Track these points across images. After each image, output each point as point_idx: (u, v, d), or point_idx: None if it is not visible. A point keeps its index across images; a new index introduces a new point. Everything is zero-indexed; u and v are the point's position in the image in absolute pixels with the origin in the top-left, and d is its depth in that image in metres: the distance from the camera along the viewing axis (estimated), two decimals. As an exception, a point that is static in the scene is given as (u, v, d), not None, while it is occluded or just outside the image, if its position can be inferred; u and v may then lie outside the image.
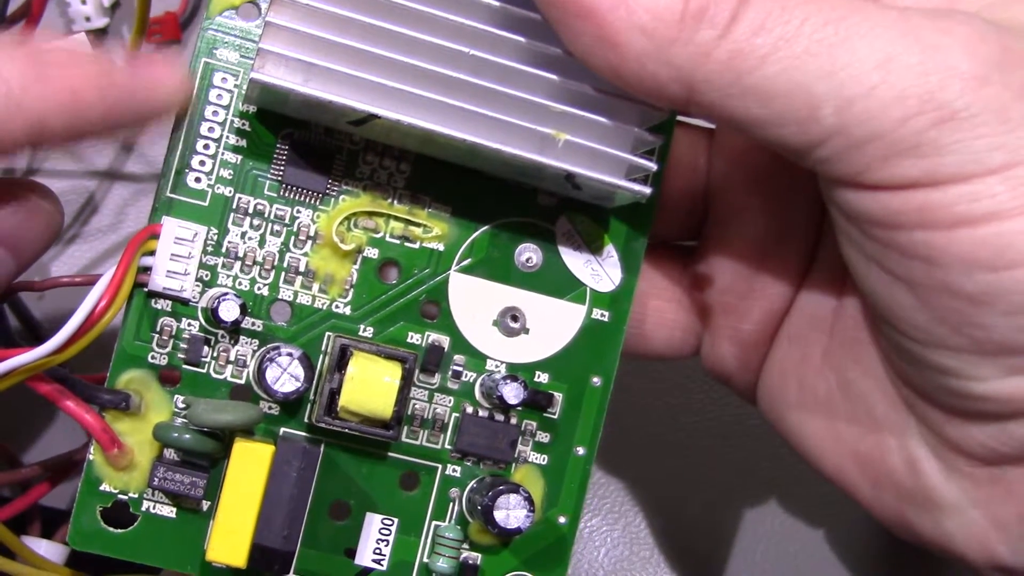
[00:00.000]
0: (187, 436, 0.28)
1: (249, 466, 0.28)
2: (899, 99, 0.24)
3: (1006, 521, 0.27)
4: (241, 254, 0.30)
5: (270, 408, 0.30)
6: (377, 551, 0.31)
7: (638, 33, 0.24)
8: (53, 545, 0.35)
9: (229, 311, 0.28)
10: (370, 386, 0.28)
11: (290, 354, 0.28)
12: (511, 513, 0.30)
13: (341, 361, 0.29)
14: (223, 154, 0.29)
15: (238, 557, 0.28)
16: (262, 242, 0.30)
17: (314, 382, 0.30)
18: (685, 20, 0.24)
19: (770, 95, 0.24)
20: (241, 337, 0.30)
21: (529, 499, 0.30)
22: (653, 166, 0.28)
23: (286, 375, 0.28)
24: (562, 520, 0.32)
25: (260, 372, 0.28)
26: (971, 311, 0.25)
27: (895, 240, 0.25)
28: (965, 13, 0.25)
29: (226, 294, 0.29)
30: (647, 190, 0.28)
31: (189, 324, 0.29)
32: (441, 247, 0.31)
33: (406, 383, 0.29)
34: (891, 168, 0.24)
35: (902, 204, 0.25)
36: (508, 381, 0.30)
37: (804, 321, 0.31)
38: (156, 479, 0.29)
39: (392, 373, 0.29)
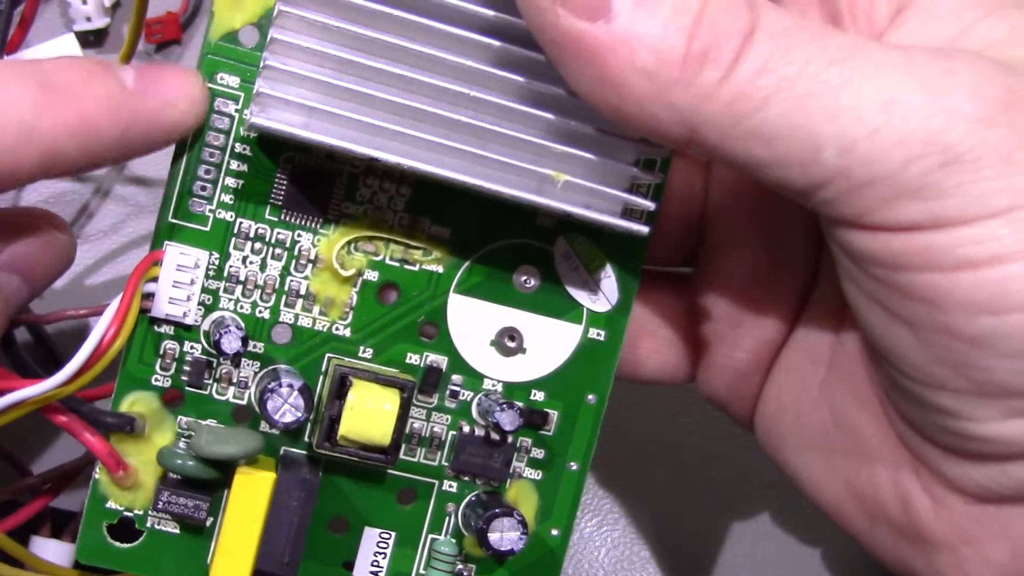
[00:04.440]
0: (190, 463, 0.27)
1: (250, 495, 0.26)
2: (902, 141, 0.22)
3: (999, 560, 0.25)
4: (243, 278, 0.28)
5: (271, 428, 0.28)
6: (375, 564, 0.29)
7: (640, 74, 0.22)
8: (62, 545, 0.34)
9: (231, 344, 0.26)
10: (369, 415, 0.26)
11: (291, 385, 0.27)
12: (505, 535, 0.28)
13: (341, 390, 0.27)
14: (224, 179, 0.27)
15: (240, 580, 0.27)
16: (263, 266, 0.28)
17: (314, 405, 0.28)
18: (687, 61, 0.22)
19: (772, 137, 0.22)
20: (243, 360, 0.28)
21: (523, 522, 0.28)
22: (651, 206, 0.26)
23: (287, 406, 0.26)
24: (555, 532, 0.30)
25: (262, 403, 0.27)
26: (972, 353, 0.23)
27: (897, 281, 0.23)
28: (970, 53, 0.23)
29: (228, 327, 0.27)
30: (644, 229, 0.26)
31: (191, 347, 0.28)
32: (440, 269, 0.29)
33: (404, 411, 0.27)
34: (894, 210, 0.22)
35: (905, 246, 0.23)
36: (505, 408, 0.28)
37: (802, 353, 0.29)
38: (161, 502, 0.27)
39: (391, 401, 0.27)
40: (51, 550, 0.33)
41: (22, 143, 0.23)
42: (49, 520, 0.34)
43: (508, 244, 0.29)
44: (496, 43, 0.25)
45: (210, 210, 0.27)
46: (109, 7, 0.40)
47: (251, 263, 0.28)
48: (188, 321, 0.27)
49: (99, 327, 0.25)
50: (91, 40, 0.40)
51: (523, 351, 0.29)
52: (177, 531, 0.28)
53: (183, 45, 0.41)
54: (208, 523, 0.28)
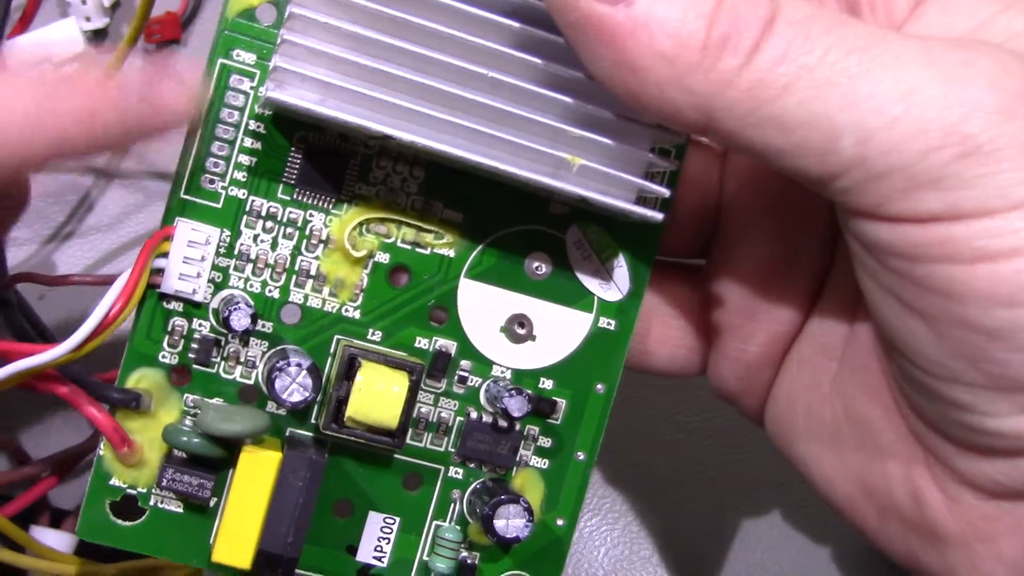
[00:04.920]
0: (196, 440, 0.26)
1: (255, 474, 0.26)
2: (921, 132, 0.22)
3: (1012, 556, 0.25)
4: (253, 256, 0.28)
5: (278, 408, 0.28)
6: (378, 549, 0.29)
7: (659, 59, 0.22)
8: (61, 535, 0.34)
9: (240, 321, 0.26)
10: (377, 397, 0.26)
11: (299, 364, 0.26)
12: (510, 522, 0.28)
13: (349, 371, 0.27)
14: (237, 156, 0.27)
15: (243, 560, 0.26)
16: (274, 245, 0.28)
17: (322, 385, 0.28)
18: (707, 47, 0.22)
19: (790, 125, 0.22)
20: (251, 339, 0.28)
21: (528, 509, 0.28)
22: (666, 192, 0.26)
23: (295, 385, 0.26)
24: (560, 522, 0.30)
25: (269, 381, 0.27)
26: (988, 346, 0.23)
27: (913, 272, 0.23)
28: (989, 44, 0.23)
29: (238, 303, 0.27)
30: (659, 216, 0.26)
31: (200, 324, 0.28)
32: (452, 253, 0.29)
33: (412, 394, 0.27)
34: (912, 201, 0.22)
35: (922, 237, 0.23)
36: (513, 394, 0.28)
37: (814, 346, 0.29)
38: (165, 480, 0.27)
39: (400, 383, 0.27)
40: (50, 539, 0.33)
41: (32, 131, 0.23)
42: (48, 511, 0.34)
43: (520, 230, 0.29)
44: (515, 25, 0.25)
45: (222, 187, 0.27)
46: (108, 7, 0.40)
47: (262, 241, 0.28)
48: (197, 298, 0.27)
49: (108, 297, 0.25)
50: (90, 40, 0.40)
51: (533, 338, 0.29)
52: (180, 510, 0.28)
53: (183, 45, 0.41)
54: (212, 503, 0.28)
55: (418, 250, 0.28)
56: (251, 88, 0.27)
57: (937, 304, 0.23)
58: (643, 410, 0.42)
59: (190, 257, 0.27)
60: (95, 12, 0.39)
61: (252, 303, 0.27)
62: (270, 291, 0.28)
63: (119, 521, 0.28)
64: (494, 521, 0.28)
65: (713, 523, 0.42)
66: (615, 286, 0.29)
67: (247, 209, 0.27)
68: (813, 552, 0.43)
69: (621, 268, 0.29)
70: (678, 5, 0.22)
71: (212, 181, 0.27)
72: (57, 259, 0.40)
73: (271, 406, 0.28)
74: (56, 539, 0.33)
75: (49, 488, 0.33)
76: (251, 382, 0.28)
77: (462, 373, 0.29)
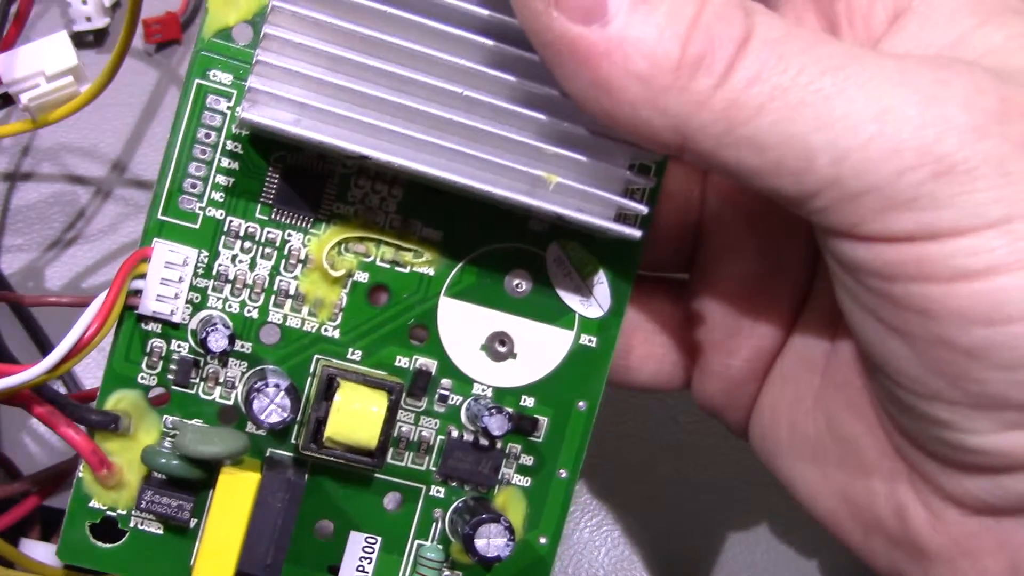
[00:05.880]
0: (175, 463, 0.27)
1: (234, 495, 0.26)
2: (895, 151, 0.22)
3: (996, 572, 0.25)
4: (231, 277, 0.28)
5: (257, 429, 0.28)
6: (360, 569, 0.29)
7: (633, 79, 0.22)
8: (52, 548, 0.34)
9: (218, 342, 0.26)
10: (356, 417, 0.27)
11: (277, 385, 0.27)
12: (491, 541, 0.28)
13: (328, 391, 0.27)
14: (215, 177, 0.27)
15: (222, 581, 0.27)
16: (252, 265, 0.28)
17: (301, 406, 0.28)
18: (682, 68, 0.22)
19: (765, 145, 0.22)
20: (230, 360, 0.28)
21: (510, 528, 0.28)
22: (644, 209, 0.26)
23: (273, 406, 0.27)
24: (543, 540, 0.30)
25: (248, 403, 0.27)
26: (967, 364, 0.23)
27: (891, 292, 0.23)
28: (964, 62, 0.23)
29: (215, 324, 0.27)
30: (637, 233, 0.26)
31: (179, 346, 0.28)
32: (431, 272, 0.29)
33: (392, 414, 0.27)
34: (887, 221, 0.22)
35: (898, 256, 0.23)
36: (493, 413, 0.28)
37: (796, 362, 0.29)
38: (144, 502, 0.27)
39: (379, 403, 0.27)
40: (41, 552, 0.33)
41: None
42: (39, 523, 0.34)
43: (500, 248, 0.29)
44: (490, 43, 0.25)
45: (200, 207, 0.27)
46: (109, 7, 0.40)
47: (240, 262, 0.28)
48: (176, 319, 0.27)
49: (82, 320, 0.25)
50: (90, 40, 0.40)
51: (514, 356, 0.29)
52: (160, 531, 0.28)
53: (184, 45, 0.41)
54: (192, 524, 0.28)
55: (397, 269, 0.29)
56: (228, 108, 0.27)
57: (915, 323, 0.23)
58: (643, 410, 0.42)
59: (168, 278, 0.27)
60: (96, 12, 0.39)
61: (230, 324, 0.27)
62: (249, 311, 0.28)
63: (99, 543, 0.28)
64: (475, 540, 0.28)
65: (713, 523, 0.43)
66: (596, 303, 0.30)
67: (225, 229, 0.28)
68: (813, 552, 0.43)
69: (602, 285, 0.30)
70: (652, 26, 0.22)
71: (190, 202, 0.27)
72: (61, 263, 0.40)
73: (251, 427, 0.28)
74: (46, 552, 0.33)
75: (39, 503, 0.33)
76: (230, 403, 0.28)
77: (443, 392, 0.29)
